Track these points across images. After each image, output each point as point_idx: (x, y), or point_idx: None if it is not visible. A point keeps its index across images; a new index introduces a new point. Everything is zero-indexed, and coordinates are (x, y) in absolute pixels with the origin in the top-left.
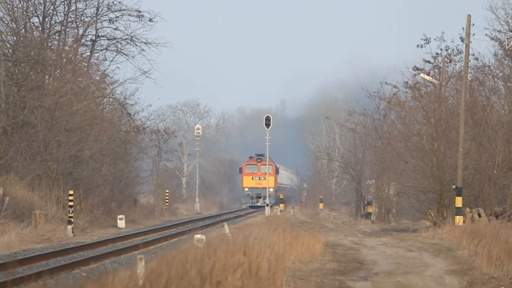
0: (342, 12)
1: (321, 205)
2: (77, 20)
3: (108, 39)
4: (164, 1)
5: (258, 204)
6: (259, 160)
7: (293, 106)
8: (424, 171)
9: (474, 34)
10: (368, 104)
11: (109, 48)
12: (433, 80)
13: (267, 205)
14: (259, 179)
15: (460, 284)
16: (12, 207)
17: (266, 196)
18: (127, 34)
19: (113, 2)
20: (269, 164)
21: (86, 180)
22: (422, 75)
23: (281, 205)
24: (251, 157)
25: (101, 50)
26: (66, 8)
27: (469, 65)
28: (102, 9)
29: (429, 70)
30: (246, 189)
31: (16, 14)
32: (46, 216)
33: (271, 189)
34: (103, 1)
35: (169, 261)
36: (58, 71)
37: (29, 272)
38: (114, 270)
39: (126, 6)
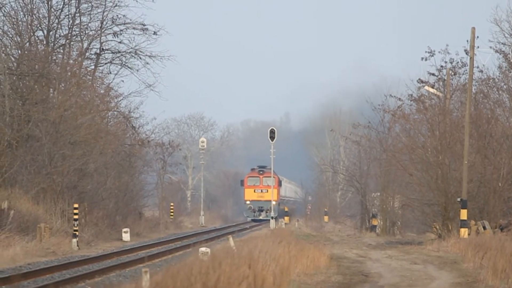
0: (344, 22)
1: (326, 218)
2: (81, 33)
3: (112, 53)
4: (169, 14)
5: (261, 217)
6: (261, 172)
7: (297, 119)
8: (429, 184)
9: (478, 47)
10: (373, 116)
11: (114, 62)
12: (438, 93)
13: (272, 218)
14: (262, 191)
15: None
16: (17, 221)
17: (268, 209)
18: (132, 48)
19: (117, 15)
20: (272, 176)
21: (91, 193)
22: (426, 87)
23: (286, 218)
24: (253, 169)
25: (105, 63)
26: (71, 21)
27: (474, 78)
28: (106, 23)
29: (434, 82)
30: (248, 202)
31: (20, 28)
32: (51, 230)
33: (273, 202)
34: (107, 15)
35: (174, 274)
36: (63, 85)
37: (34, 285)
38: (119, 283)
39: (130, 20)
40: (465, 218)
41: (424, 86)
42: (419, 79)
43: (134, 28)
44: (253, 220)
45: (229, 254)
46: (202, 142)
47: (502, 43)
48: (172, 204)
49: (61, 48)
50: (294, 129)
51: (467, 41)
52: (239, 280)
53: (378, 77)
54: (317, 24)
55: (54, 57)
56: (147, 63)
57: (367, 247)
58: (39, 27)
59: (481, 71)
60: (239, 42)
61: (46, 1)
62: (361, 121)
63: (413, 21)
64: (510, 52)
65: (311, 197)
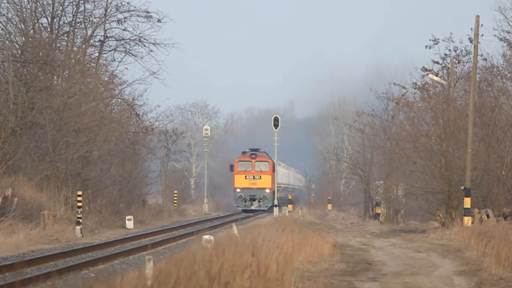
0: (344, 11)
1: (329, 206)
2: (85, 20)
3: (116, 40)
4: (172, 1)
5: (252, 207)
6: (253, 156)
7: (301, 107)
8: (432, 172)
9: (482, 35)
10: (377, 105)
11: (118, 49)
12: (442, 81)
13: (276, 206)
14: (254, 178)
15: (468, 285)
16: (21, 208)
17: (261, 198)
18: (136, 35)
19: (121, 2)
20: (265, 161)
21: (95, 180)
22: (430, 76)
23: (290, 206)
24: (244, 152)
25: (109, 50)
26: (75, 8)
27: (478, 66)
28: (110, 10)
29: (438, 71)
30: (238, 190)
31: (24, 15)
32: (55, 217)
33: (267, 190)
34: (111, 2)
35: (178, 261)
36: (67, 72)
37: (38, 272)
38: (122, 271)
39: (134, 7)
40: (469, 206)
41: (428, 74)
42: (423, 67)
43: (138, 16)
44: (244, 211)
45: (233, 242)
46: (206, 129)
47: (507, 31)
48: (175, 191)
49: (65, 35)
50: (298, 117)
51: (471, 29)
52: (243, 267)
53: (382, 62)
54: (318, 9)
55: (58, 44)
56: (151, 50)
57: (370, 235)
58: (43, 14)
59: (485, 59)
60: (243, 29)
61: None
62: (365, 109)
63: (420, 12)
64: None
65: (314, 185)
